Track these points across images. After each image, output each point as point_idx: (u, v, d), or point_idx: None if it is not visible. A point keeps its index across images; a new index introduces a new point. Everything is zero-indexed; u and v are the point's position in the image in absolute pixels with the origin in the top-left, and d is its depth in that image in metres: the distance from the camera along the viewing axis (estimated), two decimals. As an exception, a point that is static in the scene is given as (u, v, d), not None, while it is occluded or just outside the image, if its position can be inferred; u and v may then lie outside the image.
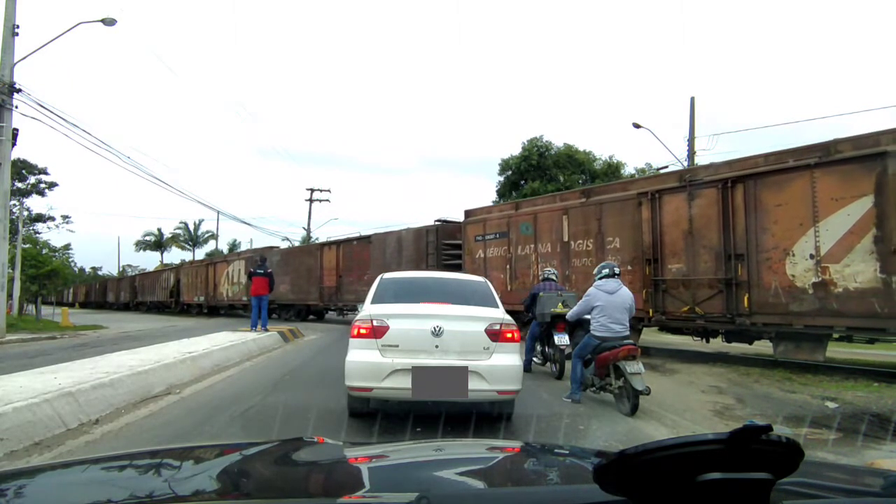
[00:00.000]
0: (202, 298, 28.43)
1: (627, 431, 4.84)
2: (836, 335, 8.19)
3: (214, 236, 49.07)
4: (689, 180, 9.46)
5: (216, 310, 27.95)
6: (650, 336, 12.41)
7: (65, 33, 14.03)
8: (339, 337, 12.77)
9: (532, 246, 12.33)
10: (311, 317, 21.72)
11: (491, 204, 14.25)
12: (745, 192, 8.53)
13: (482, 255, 13.55)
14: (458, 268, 13.85)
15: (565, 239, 11.58)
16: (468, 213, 14.50)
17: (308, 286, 20.63)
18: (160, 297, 34.29)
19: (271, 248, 25.37)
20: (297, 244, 30.74)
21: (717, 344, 12.82)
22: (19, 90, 12.82)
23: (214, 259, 31.17)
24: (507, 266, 12.84)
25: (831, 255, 7.49)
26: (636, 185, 10.70)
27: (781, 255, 8.07)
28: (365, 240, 18.79)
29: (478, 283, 5.65)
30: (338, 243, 20.35)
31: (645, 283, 9.71)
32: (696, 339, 10.01)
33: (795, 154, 8.19)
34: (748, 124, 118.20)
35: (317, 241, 26.92)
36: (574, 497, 1.02)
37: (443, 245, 15.43)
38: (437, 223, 16.18)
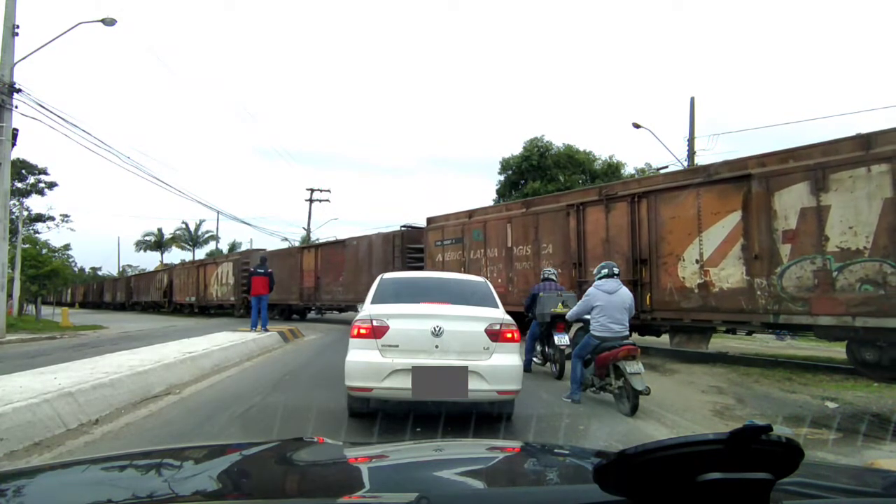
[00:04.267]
0: (193, 299, 29.29)
1: (627, 431, 4.83)
2: (722, 329, 9.68)
3: (215, 237, 49.10)
4: (605, 195, 10.69)
5: (206, 309, 28.75)
6: (651, 336, 12.45)
7: (65, 33, 14.05)
8: (339, 337, 12.77)
9: (482, 251, 13.50)
10: (295, 315, 22.73)
11: (453, 211, 15.28)
12: (648, 206, 9.82)
13: (441, 259, 14.65)
14: (420, 270, 14.38)
15: (509, 245, 12.76)
16: (429, 221, 15.53)
17: (290, 287, 21.33)
18: (154, 297, 34.93)
19: (258, 250, 26.07)
20: (296, 244, 30.86)
21: (717, 344, 12.84)
22: (19, 90, 12.82)
23: (205, 261, 32.00)
24: (462, 269, 13.57)
25: (711, 260, 8.82)
26: (566, 198, 11.91)
27: (675, 260, 9.35)
28: (340, 244, 20.18)
29: (477, 284, 5.65)
30: (316, 246, 22.02)
31: (572, 285, 10.68)
32: None
33: (686, 175, 9.89)
34: (748, 124, 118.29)
35: (298, 245, 28.34)
36: (574, 497, 1.02)
37: (407, 249, 16.49)
38: (402, 229, 17.42)
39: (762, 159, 8.38)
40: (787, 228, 7.87)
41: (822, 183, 7.50)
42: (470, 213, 14.33)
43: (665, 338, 10.17)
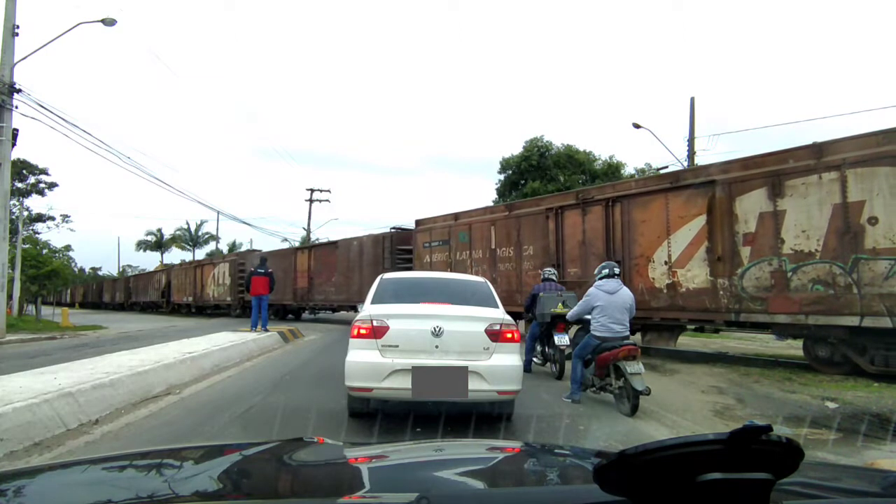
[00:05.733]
0: (190, 299, 29.71)
1: (627, 431, 4.83)
2: (691, 327, 10.17)
3: (215, 237, 49.06)
4: (582, 199, 11.14)
5: (203, 309, 29.05)
6: None
7: (65, 33, 14.04)
8: (339, 337, 12.77)
9: (468, 252, 13.94)
10: (290, 315, 23.03)
11: (441, 214, 15.63)
12: (621, 210, 10.26)
13: (429, 260, 15.09)
14: (409, 270, 14.57)
15: (493, 247, 13.22)
16: (418, 223, 15.95)
17: (284, 287, 21.67)
18: (153, 297, 35.25)
19: (254, 251, 26.60)
20: (297, 244, 30.95)
21: (717, 344, 12.84)
22: (19, 90, 12.81)
23: (202, 262, 32.38)
24: (449, 269, 13.88)
25: (678, 262, 9.28)
26: (546, 202, 12.32)
27: (645, 261, 9.78)
28: (332, 245, 20.78)
29: (478, 284, 5.65)
30: (309, 248, 22.53)
31: None
32: None
33: (656, 180, 10.49)
34: (748, 124, 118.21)
35: (292, 246, 28.87)
36: (574, 497, 1.02)
37: (396, 250, 16.96)
38: (392, 230, 17.87)
39: (725, 166, 8.94)
40: (747, 232, 8.33)
41: (779, 189, 7.96)
42: (456, 216, 14.69)
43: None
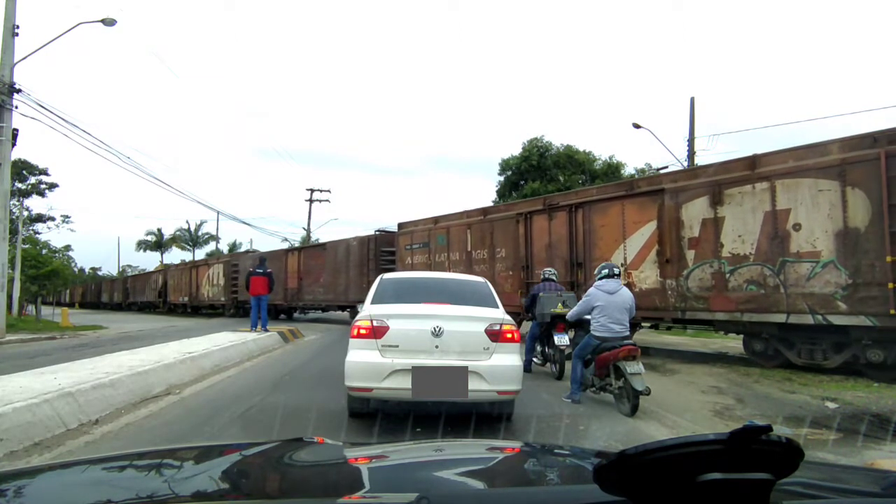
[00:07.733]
0: (186, 299, 30.08)
1: (627, 432, 4.83)
2: (646, 325, 10.88)
3: (214, 237, 49.05)
4: (549, 205, 11.78)
5: (198, 309, 29.42)
6: (650, 336, 12.54)
7: (65, 33, 14.05)
8: (339, 337, 12.78)
9: (446, 254, 14.49)
10: (282, 315, 23.30)
11: (421, 217, 16.14)
12: (583, 215, 10.91)
13: (410, 262, 15.57)
14: (392, 272, 14.77)
15: (469, 249, 13.82)
16: (400, 226, 16.51)
17: (276, 287, 21.56)
18: (150, 297, 35.46)
19: (248, 252, 26.93)
20: (296, 244, 31.02)
21: (717, 344, 12.83)
22: (19, 90, 12.81)
23: (197, 262, 32.78)
24: (429, 270, 14.34)
25: (633, 264, 9.92)
26: (516, 208, 13.15)
27: None
28: (321, 247, 21.52)
29: (478, 284, 5.64)
30: (299, 249, 23.19)
31: (520, 285, 12.09)
32: None
33: (614, 188, 11.14)
34: (748, 124, 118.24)
35: (291, 246, 29.31)
36: (574, 497, 1.02)
37: (381, 252, 17.44)
38: (376, 233, 18.39)
39: (674, 176, 9.81)
40: (692, 236, 9.00)
41: (719, 197, 8.64)
42: (435, 220, 15.20)
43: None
